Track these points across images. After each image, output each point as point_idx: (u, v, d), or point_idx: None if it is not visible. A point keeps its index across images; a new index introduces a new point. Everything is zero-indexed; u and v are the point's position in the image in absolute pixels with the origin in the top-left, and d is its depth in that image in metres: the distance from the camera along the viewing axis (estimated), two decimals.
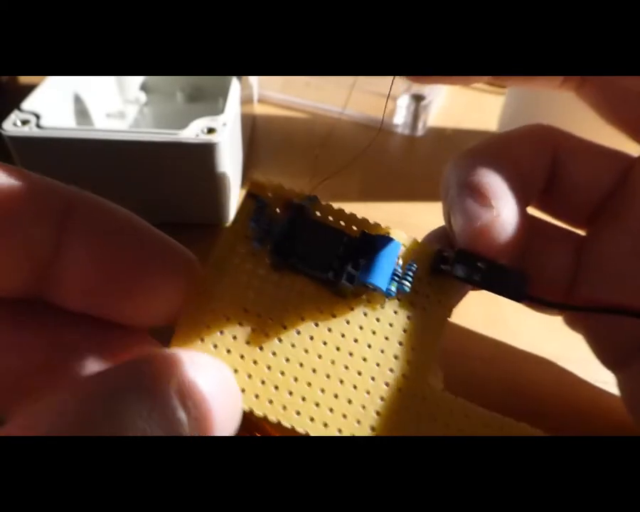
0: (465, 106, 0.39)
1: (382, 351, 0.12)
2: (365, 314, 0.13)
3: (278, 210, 0.14)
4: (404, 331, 0.13)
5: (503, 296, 0.13)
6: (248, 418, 0.11)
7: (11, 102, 0.24)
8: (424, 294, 0.13)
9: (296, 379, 0.12)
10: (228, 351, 0.12)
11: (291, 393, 0.12)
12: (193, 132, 0.23)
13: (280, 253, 0.13)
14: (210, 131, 0.23)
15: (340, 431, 0.12)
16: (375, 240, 0.13)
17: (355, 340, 0.12)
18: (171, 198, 0.25)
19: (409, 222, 0.28)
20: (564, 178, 0.17)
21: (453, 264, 0.13)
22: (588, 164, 0.17)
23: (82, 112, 0.28)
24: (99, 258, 0.12)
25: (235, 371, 0.12)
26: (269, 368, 0.12)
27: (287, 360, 0.12)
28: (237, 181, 0.28)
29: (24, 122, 0.23)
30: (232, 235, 0.13)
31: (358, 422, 0.12)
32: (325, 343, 0.12)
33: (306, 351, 0.12)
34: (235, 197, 0.27)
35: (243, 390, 0.12)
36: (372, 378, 0.12)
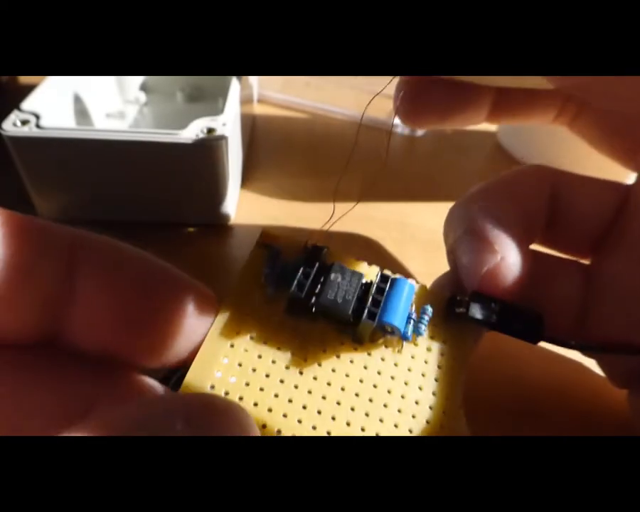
0: None
1: (402, 397, 0.12)
2: (383, 359, 0.13)
3: (290, 256, 0.14)
4: (423, 375, 0.13)
5: (520, 338, 0.13)
6: None
7: (11, 102, 0.24)
8: (440, 340, 0.13)
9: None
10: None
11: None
12: (193, 132, 0.23)
13: (301, 294, 0.13)
14: (210, 131, 0.23)
15: None
16: (391, 282, 0.13)
17: (375, 386, 0.12)
18: (171, 198, 0.25)
19: (409, 222, 0.28)
20: (565, 212, 0.17)
21: (468, 306, 0.13)
22: (586, 196, 0.17)
23: (82, 112, 0.28)
24: (111, 297, 0.12)
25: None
26: (290, 401, 0.12)
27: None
28: (237, 181, 0.28)
29: (24, 122, 0.23)
30: (244, 282, 0.13)
31: None
32: (343, 389, 0.12)
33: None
34: (234, 197, 0.27)
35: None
36: (396, 425, 0.12)
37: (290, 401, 0.12)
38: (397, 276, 0.14)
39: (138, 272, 0.12)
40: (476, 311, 0.13)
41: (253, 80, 0.35)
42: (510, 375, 0.20)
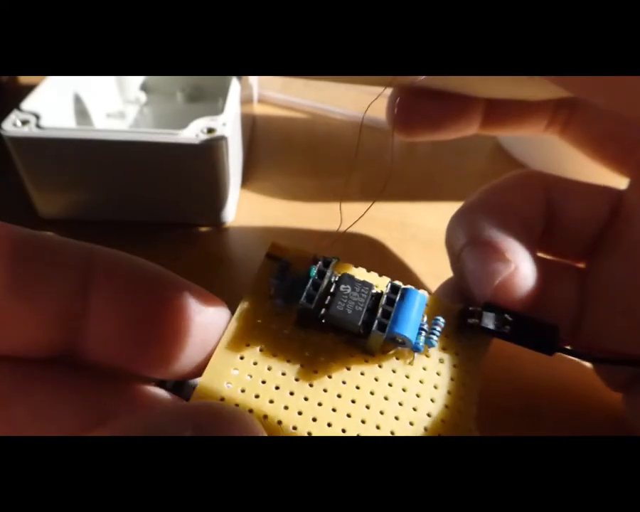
0: None
1: (414, 409, 0.12)
2: (394, 371, 0.13)
3: (299, 267, 0.13)
4: (435, 387, 0.12)
5: (535, 350, 0.13)
6: None
7: (11, 102, 0.24)
8: (453, 351, 0.13)
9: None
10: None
11: None
12: (193, 132, 0.23)
13: (310, 305, 0.13)
14: (210, 131, 0.23)
15: None
16: (402, 292, 0.13)
17: (386, 398, 0.12)
18: (171, 198, 0.25)
19: (409, 222, 0.28)
20: (559, 218, 0.17)
21: (481, 317, 0.13)
22: (580, 201, 0.17)
23: (82, 112, 0.28)
24: (124, 312, 0.12)
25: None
26: (300, 413, 0.12)
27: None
28: (237, 181, 0.28)
29: (24, 122, 0.23)
30: (254, 294, 0.13)
31: None
32: (354, 402, 0.12)
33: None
34: (235, 197, 0.27)
35: None
36: None
37: (300, 413, 0.12)
38: (409, 286, 0.13)
39: (150, 287, 0.12)
40: (489, 322, 0.13)
41: (253, 80, 0.35)
42: (510, 375, 0.20)
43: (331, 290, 0.13)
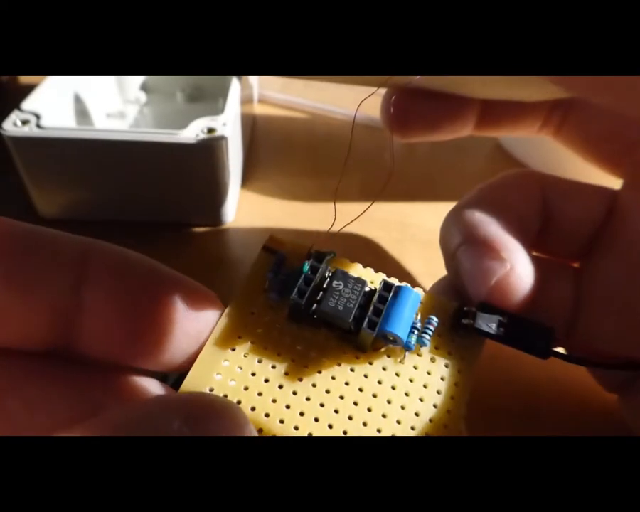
0: None
1: (402, 407, 0.12)
2: (385, 369, 0.13)
3: (295, 261, 0.13)
4: (425, 386, 0.12)
5: (529, 353, 0.13)
6: None
7: (11, 102, 0.24)
8: (445, 351, 0.13)
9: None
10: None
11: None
12: (193, 132, 0.23)
13: (301, 301, 0.12)
14: (210, 131, 0.23)
15: None
16: (395, 290, 0.13)
17: (374, 396, 0.12)
18: (170, 198, 0.25)
19: (409, 222, 0.28)
20: (555, 217, 0.17)
21: (475, 318, 0.13)
22: (577, 201, 0.17)
23: (82, 112, 0.28)
24: (118, 306, 0.12)
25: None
26: (288, 407, 0.12)
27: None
28: (237, 181, 0.28)
29: (24, 122, 0.23)
30: (249, 287, 0.13)
31: None
32: (342, 397, 0.12)
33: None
34: (234, 197, 0.27)
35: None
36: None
37: (288, 407, 0.12)
38: (403, 284, 0.13)
39: (144, 280, 0.12)
40: (483, 323, 0.13)
41: (253, 79, 0.35)
42: (507, 375, 0.20)
43: (324, 286, 0.13)
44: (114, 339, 0.12)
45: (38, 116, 0.23)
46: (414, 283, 0.14)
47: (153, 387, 0.13)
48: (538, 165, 0.30)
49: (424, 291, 0.14)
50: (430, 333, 0.13)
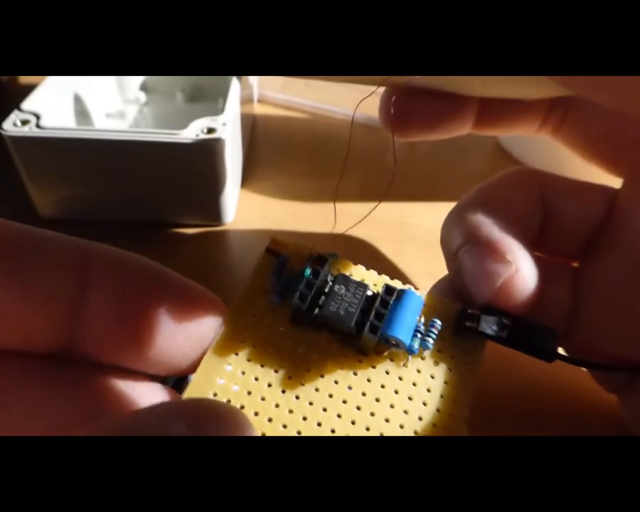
0: None
1: (405, 412, 0.12)
2: (388, 372, 0.12)
3: (298, 264, 0.13)
4: (428, 390, 0.12)
5: (533, 356, 0.13)
6: None
7: (11, 102, 0.24)
8: (448, 354, 0.13)
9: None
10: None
11: None
12: (193, 132, 0.23)
13: (303, 305, 0.12)
14: (210, 131, 0.23)
15: None
16: (398, 294, 0.13)
17: (377, 400, 0.12)
18: (171, 198, 0.25)
19: (409, 222, 0.28)
20: (556, 216, 0.17)
21: (479, 321, 0.13)
22: (576, 199, 0.17)
23: (82, 112, 0.28)
24: (121, 309, 0.12)
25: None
26: (291, 412, 0.12)
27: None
28: (237, 181, 0.28)
29: (24, 122, 0.23)
30: (250, 289, 0.13)
31: None
32: (345, 402, 0.12)
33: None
34: (234, 197, 0.27)
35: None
36: None
37: (291, 412, 0.12)
38: (406, 287, 0.13)
39: (146, 282, 0.12)
40: (487, 326, 0.13)
41: (253, 80, 0.35)
42: (509, 376, 0.20)
43: (326, 290, 0.13)
44: (115, 341, 0.12)
45: (37, 116, 0.23)
46: (415, 283, 0.14)
47: (154, 390, 0.13)
48: (538, 164, 0.29)
49: (426, 292, 0.14)
50: (434, 336, 0.13)
